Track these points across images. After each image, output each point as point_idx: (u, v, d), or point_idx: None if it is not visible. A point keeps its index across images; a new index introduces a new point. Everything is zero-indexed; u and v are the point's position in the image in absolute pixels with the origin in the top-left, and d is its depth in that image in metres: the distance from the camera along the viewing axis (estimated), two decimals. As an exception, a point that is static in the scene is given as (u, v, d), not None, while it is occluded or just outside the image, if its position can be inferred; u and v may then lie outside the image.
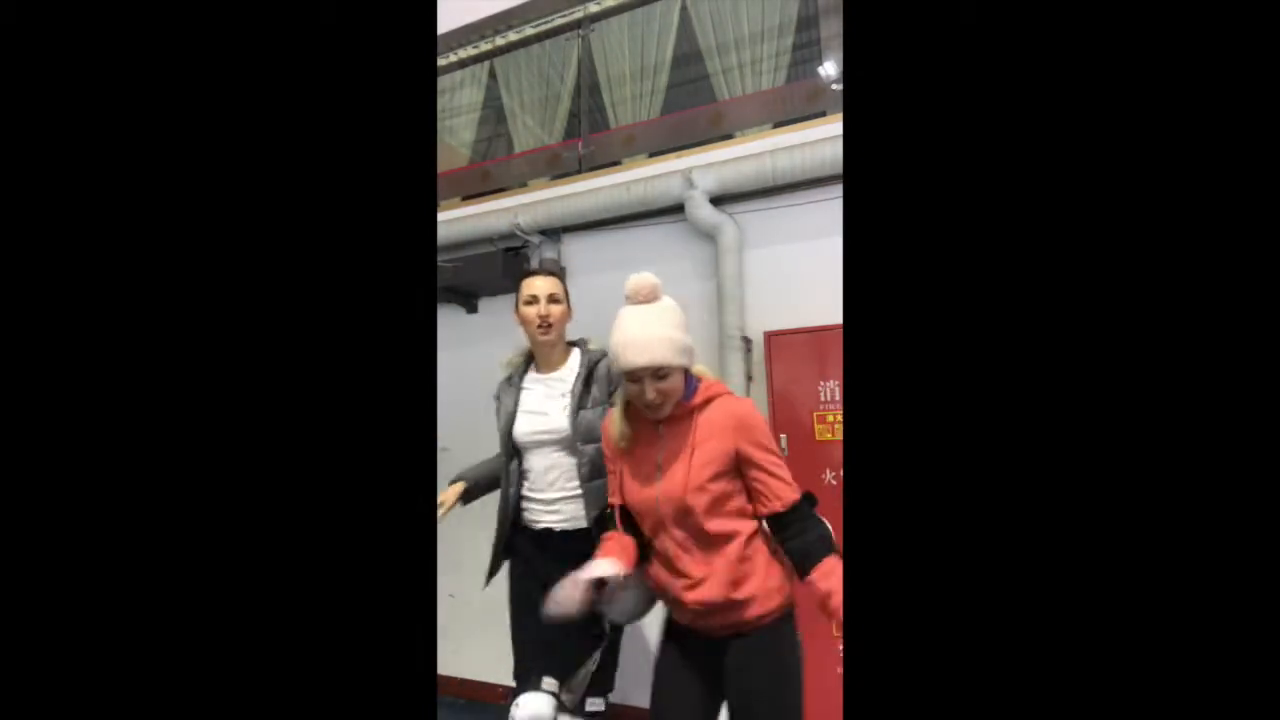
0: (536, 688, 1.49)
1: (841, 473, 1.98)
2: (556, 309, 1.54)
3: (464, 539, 2.81)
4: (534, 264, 2.72)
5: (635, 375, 1.18)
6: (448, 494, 1.61)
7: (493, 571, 1.67)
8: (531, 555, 1.57)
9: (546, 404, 1.54)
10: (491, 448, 2.81)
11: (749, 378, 2.24)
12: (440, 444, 2.85)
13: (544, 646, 1.50)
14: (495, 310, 2.86)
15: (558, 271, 1.69)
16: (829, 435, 1.99)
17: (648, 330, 1.19)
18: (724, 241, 2.30)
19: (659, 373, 1.17)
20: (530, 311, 1.53)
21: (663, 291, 1.28)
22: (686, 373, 1.24)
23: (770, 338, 2.12)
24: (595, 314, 2.22)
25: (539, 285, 1.55)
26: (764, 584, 1.18)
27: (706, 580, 1.17)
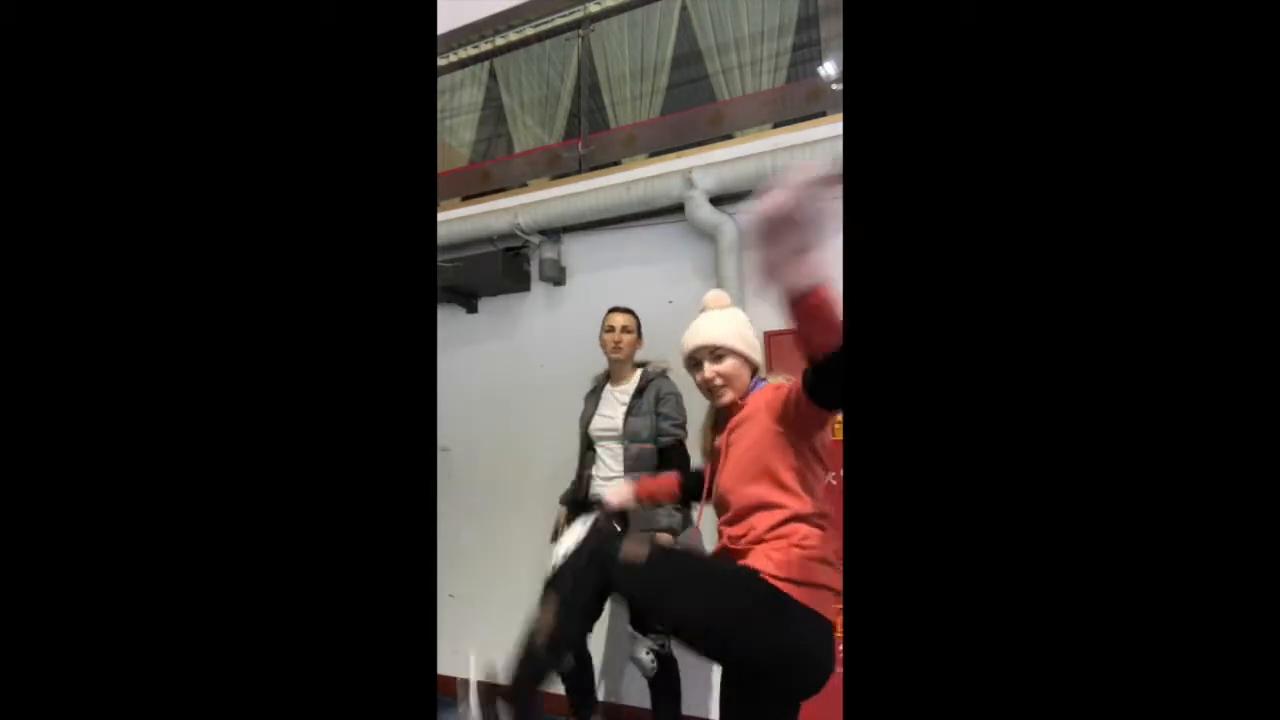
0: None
1: (841, 473, 1.98)
2: (627, 337, 2.10)
3: (464, 539, 2.82)
4: (534, 264, 2.73)
5: (695, 358, 1.27)
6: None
7: (555, 534, 2.09)
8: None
9: (613, 409, 2.08)
10: (491, 447, 2.82)
11: (749, 378, 2.24)
12: (440, 444, 2.85)
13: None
14: (495, 310, 2.86)
15: (634, 311, 2.18)
16: (829, 435, 1.99)
17: (708, 319, 1.30)
18: (724, 241, 2.30)
19: (715, 352, 1.25)
20: (607, 338, 2.12)
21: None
22: (755, 373, 1.30)
23: (770, 337, 2.11)
24: (596, 313, 2.23)
25: (616, 319, 2.13)
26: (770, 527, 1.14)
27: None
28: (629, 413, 2.04)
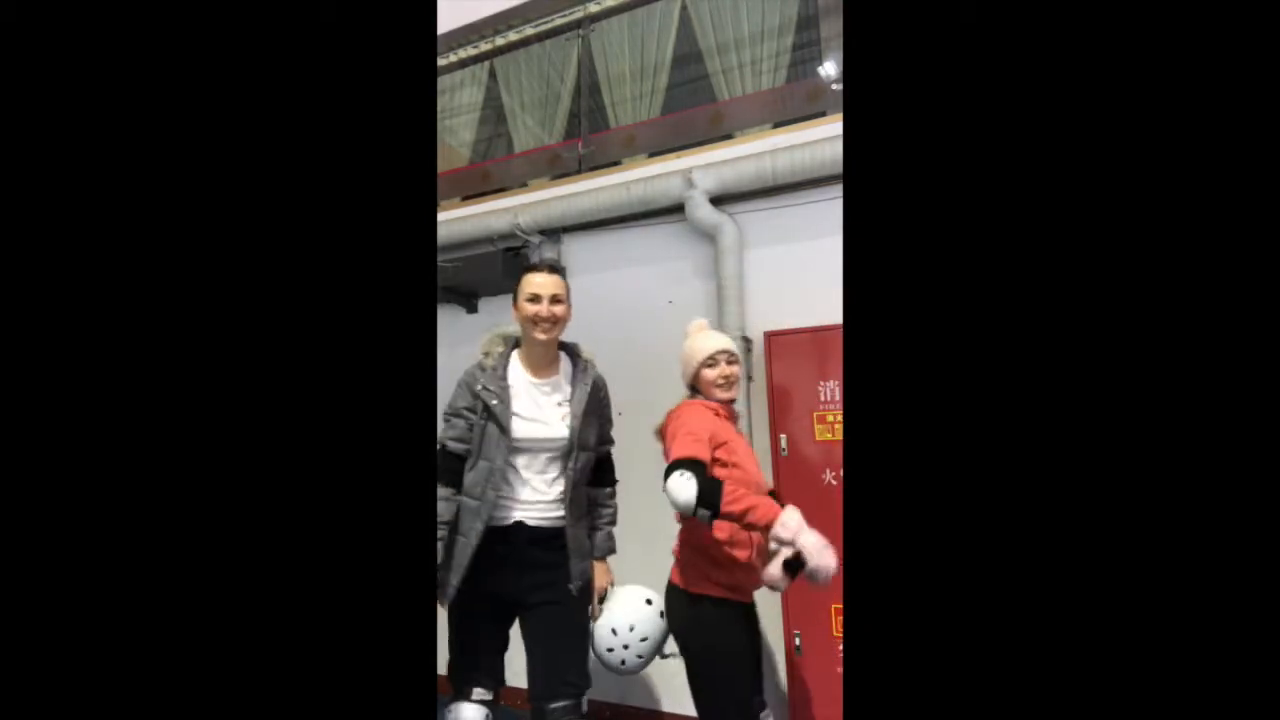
0: (467, 698, 1.46)
1: (841, 473, 1.98)
2: (559, 308, 1.45)
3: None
4: (534, 263, 2.72)
5: (714, 359, 1.53)
6: None
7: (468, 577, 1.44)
8: (494, 550, 1.44)
9: (544, 412, 1.48)
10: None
11: (748, 378, 2.24)
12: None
13: (478, 654, 1.48)
14: (495, 310, 2.86)
15: (560, 269, 1.53)
16: (829, 435, 1.99)
17: (712, 333, 1.62)
18: (724, 241, 2.30)
19: (732, 357, 1.55)
20: (532, 309, 1.44)
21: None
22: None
23: (770, 338, 2.12)
24: (597, 312, 2.23)
25: (543, 283, 1.45)
26: None
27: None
28: (586, 412, 1.48)
